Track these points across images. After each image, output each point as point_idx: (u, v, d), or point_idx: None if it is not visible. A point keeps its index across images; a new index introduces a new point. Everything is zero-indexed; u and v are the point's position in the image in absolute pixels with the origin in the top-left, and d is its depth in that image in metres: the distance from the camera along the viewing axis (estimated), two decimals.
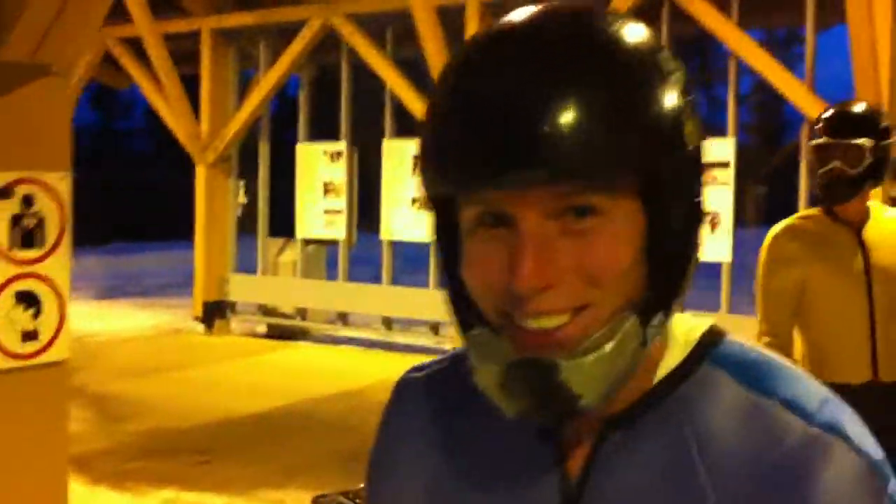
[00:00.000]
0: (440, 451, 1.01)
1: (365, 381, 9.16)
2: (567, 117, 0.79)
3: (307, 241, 12.18)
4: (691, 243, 0.89)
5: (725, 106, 9.83)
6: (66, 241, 3.01)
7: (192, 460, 6.85)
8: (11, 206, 2.89)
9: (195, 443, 7.31)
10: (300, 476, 6.40)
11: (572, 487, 0.91)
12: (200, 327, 12.54)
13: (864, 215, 3.35)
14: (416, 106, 10.27)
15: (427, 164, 0.86)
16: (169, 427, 7.80)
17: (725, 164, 9.10)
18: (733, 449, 0.87)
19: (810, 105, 8.52)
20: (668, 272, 0.87)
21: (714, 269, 9.39)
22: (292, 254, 12.42)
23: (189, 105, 12.28)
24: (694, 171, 0.88)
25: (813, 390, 0.89)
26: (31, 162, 2.95)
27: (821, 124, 3.33)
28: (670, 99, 0.84)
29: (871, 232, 3.33)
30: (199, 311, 12.52)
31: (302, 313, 12.26)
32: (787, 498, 0.84)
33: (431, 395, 1.05)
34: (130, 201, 28.58)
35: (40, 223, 2.93)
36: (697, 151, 0.88)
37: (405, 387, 1.08)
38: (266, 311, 12.56)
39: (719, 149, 9.16)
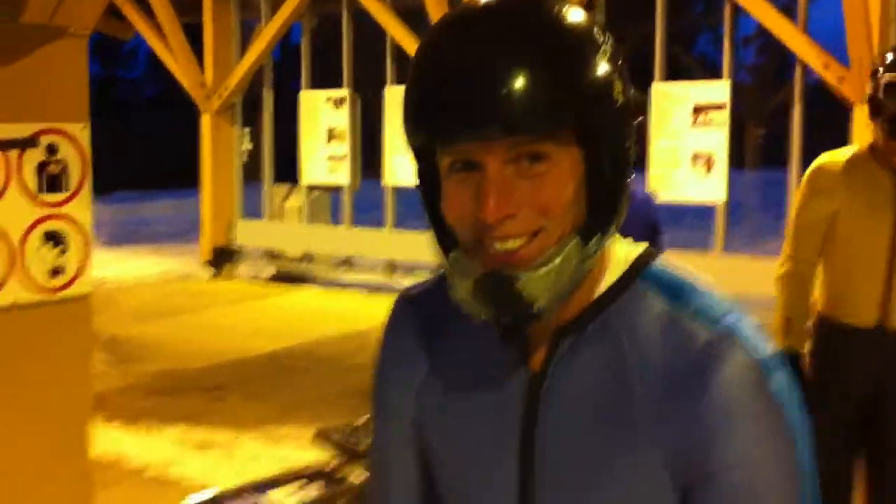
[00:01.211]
0: (428, 355, 1.23)
1: (369, 323, 9.16)
2: (518, 83, 1.00)
3: (312, 187, 12.31)
4: (622, 179, 1.10)
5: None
6: (88, 184, 3.30)
7: (202, 398, 7.04)
8: (37, 155, 3.15)
9: (205, 382, 7.50)
10: (305, 412, 6.57)
11: (535, 379, 1.14)
12: (209, 272, 12.68)
13: None
14: None
15: (410, 120, 1.08)
16: (179, 367, 7.97)
17: (721, 107, 9.22)
18: (655, 350, 1.09)
19: (803, 48, 8.64)
20: (603, 203, 1.08)
21: (709, 209, 9.54)
22: (297, 199, 12.56)
23: (192, 54, 12.35)
24: (622, 122, 1.09)
25: (720, 303, 1.11)
26: (54, 114, 3.21)
27: (892, 62, 3.25)
28: (601, 66, 1.05)
29: None
30: (207, 256, 12.68)
31: (308, 258, 12.40)
32: (692, 389, 1.06)
33: (422, 309, 1.26)
34: (136, 150, 28.66)
35: (64, 169, 3.22)
36: (625, 106, 1.09)
37: (401, 303, 1.30)
38: (273, 255, 12.70)
39: (715, 91, 9.30)
